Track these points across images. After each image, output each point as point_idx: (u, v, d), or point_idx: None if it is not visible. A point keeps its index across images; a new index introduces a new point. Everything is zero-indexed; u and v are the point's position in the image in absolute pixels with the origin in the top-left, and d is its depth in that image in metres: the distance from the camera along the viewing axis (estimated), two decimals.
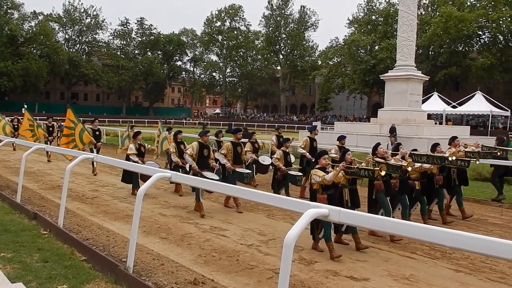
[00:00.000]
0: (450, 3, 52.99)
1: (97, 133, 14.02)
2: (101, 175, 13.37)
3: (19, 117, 25.62)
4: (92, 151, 12.53)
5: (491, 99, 41.35)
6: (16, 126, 20.38)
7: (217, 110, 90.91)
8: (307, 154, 10.84)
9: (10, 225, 7.06)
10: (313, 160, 10.53)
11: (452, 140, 9.36)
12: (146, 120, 63.85)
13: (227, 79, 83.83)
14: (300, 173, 9.91)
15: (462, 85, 55.71)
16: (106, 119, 56.95)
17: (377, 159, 7.27)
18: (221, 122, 64.49)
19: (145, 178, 9.21)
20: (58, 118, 21.20)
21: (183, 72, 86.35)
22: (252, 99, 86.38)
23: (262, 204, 8.33)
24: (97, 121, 14.79)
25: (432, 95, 42.35)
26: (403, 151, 8.12)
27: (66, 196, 7.26)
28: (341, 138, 11.25)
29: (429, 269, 5.80)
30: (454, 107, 42.13)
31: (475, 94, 41.71)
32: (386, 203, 7.07)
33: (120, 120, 60.21)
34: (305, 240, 6.68)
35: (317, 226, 6.24)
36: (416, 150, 8.73)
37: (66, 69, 70.34)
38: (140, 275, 5.08)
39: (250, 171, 9.31)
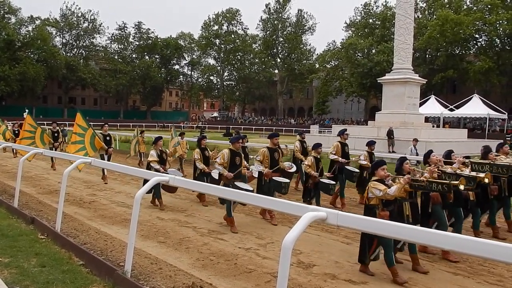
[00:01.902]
0: (447, 6, 53.19)
1: (108, 138, 13.19)
2: (99, 179, 13.31)
3: (21, 122, 25.44)
4: (103, 158, 12.24)
5: (488, 102, 41.50)
6: (17, 132, 20.01)
7: (215, 114, 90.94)
8: (340, 159, 10.19)
9: (8, 230, 7.04)
10: (345, 167, 10.16)
11: (501, 147, 8.80)
12: (144, 124, 63.71)
13: (224, 83, 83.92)
14: (333, 182, 9.20)
15: (459, 88, 55.90)
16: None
17: (444, 169, 6.49)
18: (219, 126, 64.53)
19: (168, 188, 8.86)
20: (58, 122, 20.90)
21: (181, 76, 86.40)
22: (250, 103, 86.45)
23: (260, 207, 8.34)
24: (107, 125, 13.93)
25: (429, 98, 42.51)
26: (460, 159, 7.32)
27: (63, 200, 7.24)
28: (371, 144, 10.55)
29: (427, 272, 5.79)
30: (451, 110, 42.28)
31: (472, 97, 41.88)
32: (443, 217, 6.36)
33: (118, 124, 60.11)
34: (303, 244, 6.68)
35: (370, 246, 5.52)
36: (469, 157, 7.99)
37: (64, 74, 70.23)
38: (138, 279, 5.07)
39: (289, 180, 8.50)
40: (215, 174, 9.24)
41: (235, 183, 7.69)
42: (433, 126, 33.71)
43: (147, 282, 5.07)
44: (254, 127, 65.08)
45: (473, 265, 6.08)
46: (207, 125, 65.30)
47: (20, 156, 12.27)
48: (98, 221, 8.13)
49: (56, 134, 15.79)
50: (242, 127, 63.93)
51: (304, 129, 48.84)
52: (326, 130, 44.68)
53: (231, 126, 56.43)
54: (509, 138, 36.67)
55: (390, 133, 24.10)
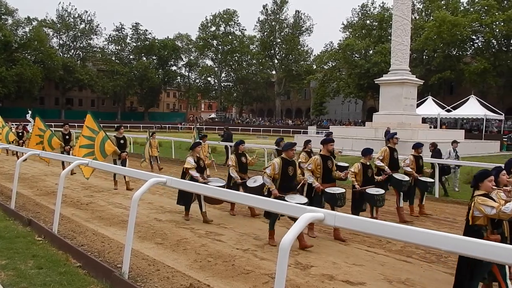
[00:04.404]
0: (444, 7, 53.32)
1: (122, 141, 12.27)
2: (96, 181, 13.30)
3: (25, 123, 25.20)
4: (115, 163, 11.63)
5: (485, 103, 41.59)
6: (21, 134, 19.51)
7: (213, 115, 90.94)
8: (386, 168, 9.13)
9: (4, 231, 7.02)
10: (392, 175, 9.08)
11: None
12: (141, 125, 63.73)
13: (222, 84, 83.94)
14: (381, 191, 8.08)
15: (456, 89, 56.01)
16: (101, 125, 56.60)
17: None
18: (217, 127, 64.53)
19: (210, 200, 8.03)
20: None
21: (178, 77, 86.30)
22: (247, 104, 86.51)
23: (258, 208, 8.33)
24: (122, 127, 12.95)
25: (426, 99, 42.56)
26: None
27: (60, 202, 7.22)
28: (418, 146, 9.64)
29: (425, 273, 5.81)
30: (448, 111, 42.33)
31: (469, 98, 41.94)
32: None
33: (116, 125, 60.10)
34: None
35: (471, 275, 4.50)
36: None
37: (61, 75, 70.08)
38: (135, 281, 5.06)
39: (344, 190, 7.50)
40: (251, 183, 8.57)
41: (286, 198, 6.61)
42: (430, 127, 33.81)
43: (144, 284, 5.06)
44: (251, 128, 65.13)
45: None
46: (204, 126, 65.23)
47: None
48: (96, 222, 8.11)
49: (67, 137, 14.86)
50: (240, 128, 63.96)
51: (302, 130, 49.33)
52: (324, 131, 44.72)
53: (228, 127, 56.28)
54: (505, 139, 36.77)
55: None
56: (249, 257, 6.26)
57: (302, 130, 49.95)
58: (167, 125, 70.02)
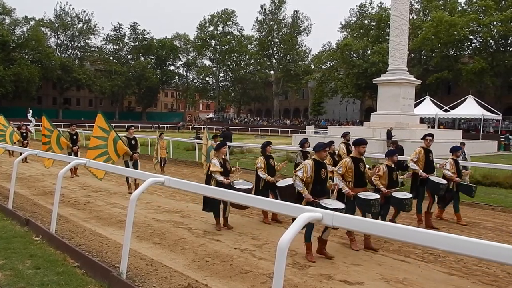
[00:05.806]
0: (442, 8, 53.39)
1: (133, 142, 11.76)
2: (94, 181, 13.26)
3: (27, 123, 25.05)
4: (127, 165, 11.30)
5: (483, 103, 41.70)
6: (25, 135, 19.31)
7: (211, 115, 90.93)
8: (421, 172, 8.56)
9: (2, 231, 7.00)
10: (429, 178, 8.53)
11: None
12: (139, 125, 63.62)
13: (220, 84, 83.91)
14: (409, 195, 7.50)
15: (454, 89, 56.16)
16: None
17: None
18: (215, 127, 64.53)
19: (235, 204, 7.46)
20: (77, 124, 20.12)
21: (176, 77, 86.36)
22: (246, 104, 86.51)
23: (256, 208, 8.33)
24: (133, 128, 12.47)
25: (424, 99, 42.65)
26: None
27: (58, 201, 7.21)
28: (456, 150, 9.08)
29: (422, 272, 5.81)
30: (446, 111, 42.42)
31: (466, 98, 42.04)
32: None
33: (113, 125, 59.90)
34: (299, 244, 6.68)
35: None
36: None
37: (58, 74, 70.09)
38: (133, 281, 5.05)
39: (378, 196, 6.86)
40: (282, 183, 8.12)
41: (321, 202, 6.13)
42: (428, 127, 33.84)
43: (142, 284, 5.05)
44: (249, 128, 65.10)
45: (467, 265, 6.10)
46: (202, 126, 65.14)
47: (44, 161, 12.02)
48: (93, 222, 8.10)
49: (75, 137, 14.59)
50: (238, 128, 63.94)
51: (300, 130, 49.30)
52: (322, 131, 44.74)
53: (226, 127, 56.27)
54: (503, 139, 36.86)
55: (388, 134, 24.15)
56: (247, 257, 6.25)
57: (300, 130, 49.93)
58: (165, 125, 69.94)
